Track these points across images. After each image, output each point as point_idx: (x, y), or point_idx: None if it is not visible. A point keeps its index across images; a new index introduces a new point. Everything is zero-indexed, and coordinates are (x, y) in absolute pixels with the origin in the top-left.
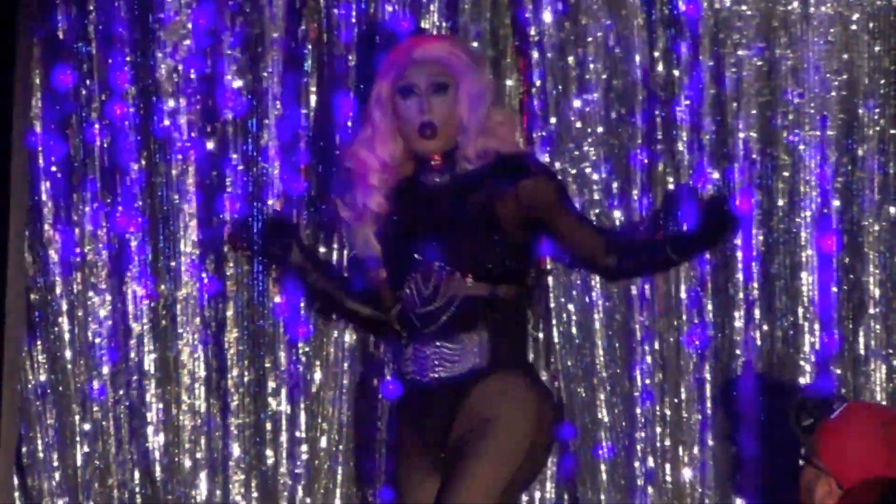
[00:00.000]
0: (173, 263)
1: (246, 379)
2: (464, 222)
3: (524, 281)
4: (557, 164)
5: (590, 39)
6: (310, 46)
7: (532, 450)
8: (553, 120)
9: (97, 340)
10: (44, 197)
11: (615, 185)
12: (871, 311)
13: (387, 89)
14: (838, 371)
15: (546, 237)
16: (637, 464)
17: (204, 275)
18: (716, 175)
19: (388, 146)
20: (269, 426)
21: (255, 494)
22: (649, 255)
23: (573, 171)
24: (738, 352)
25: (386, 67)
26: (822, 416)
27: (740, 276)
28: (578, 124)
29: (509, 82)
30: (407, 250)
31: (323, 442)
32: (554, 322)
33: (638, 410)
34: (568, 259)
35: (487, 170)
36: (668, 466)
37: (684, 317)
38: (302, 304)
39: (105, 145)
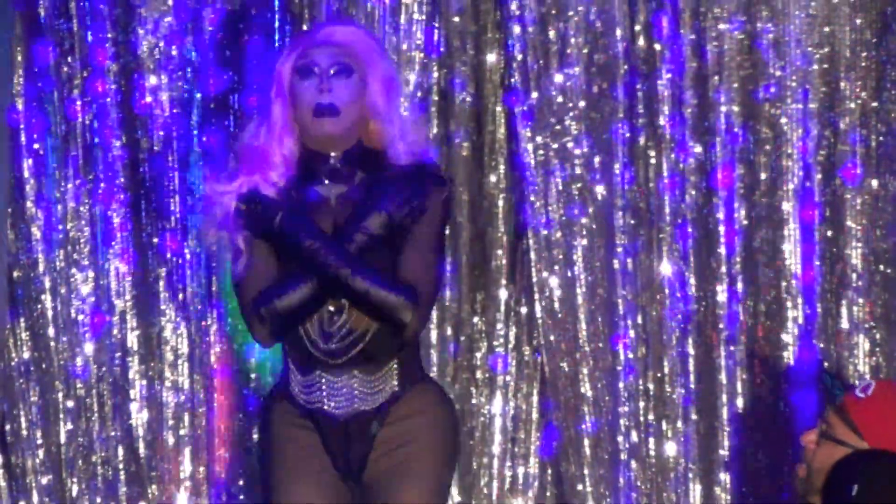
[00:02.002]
0: (156, 239)
1: (229, 355)
2: (371, 251)
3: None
4: (539, 139)
5: (571, 13)
6: (290, 22)
7: (455, 459)
8: (534, 94)
9: (80, 317)
10: (26, 174)
11: (597, 159)
12: (854, 284)
13: (287, 72)
14: (821, 345)
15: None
16: (620, 438)
17: (186, 250)
18: (698, 149)
19: (284, 140)
20: (252, 403)
21: (240, 471)
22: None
23: (555, 146)
24: (721, 326)
25: (288, 50)
26: (840, 393)
27: (723, 250)
28: (560, 99)
29: (491, 57)
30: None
31: None
32: (537, 297)
33: (621, 385)
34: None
35: (388, 180)
36: (651, 441)
37: (667, 291)
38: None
39: (87, 122)
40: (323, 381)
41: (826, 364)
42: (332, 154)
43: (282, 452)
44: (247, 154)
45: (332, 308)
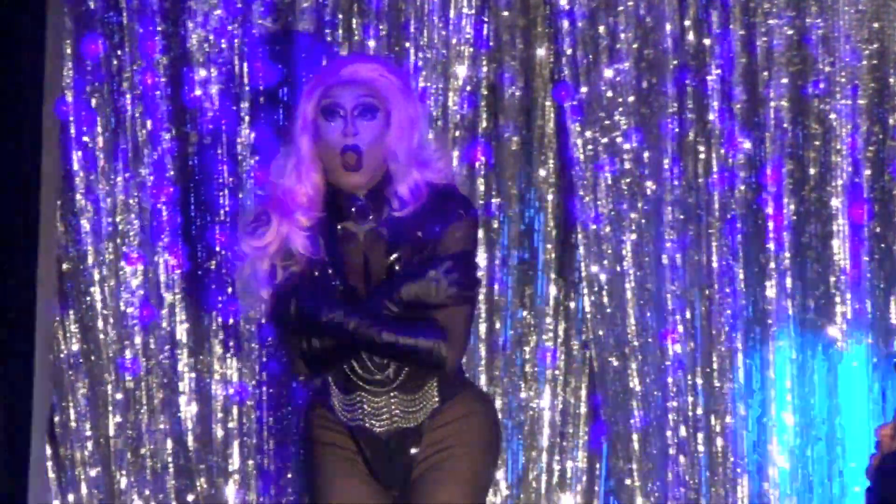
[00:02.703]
0: (205, 232)
1: (279, 348)
2: (403, 285)
3: None
4: (588, 134)
5: (620, 8)
6: (340, 15)
7: (494, 459)
8: (584, 89)
9: (129, 310)
10: (75, 166)
11: (646, 154)
12: None
13: (311, 110)
14: (870, 340)
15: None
16: (669, 433)
17: (236, 247)
18: (747, 145)
19: (311, 176)
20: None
21: (288, 465)
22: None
23: (604, 141)
24: (769, 321)
25: (311, 87)
26: None
27: (772, 245)
28: (609, 93)
29: (540, 51)
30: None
31: None
32: (585, 292)
33: (670, 380)
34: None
35: (417, 211)
36: (700, 436)
37: (716, 286)
38: None
39: (136, 115)
40: (364, 402)
41: None
42: (359, 193)
43: (326, 455)
44: (275, 195)
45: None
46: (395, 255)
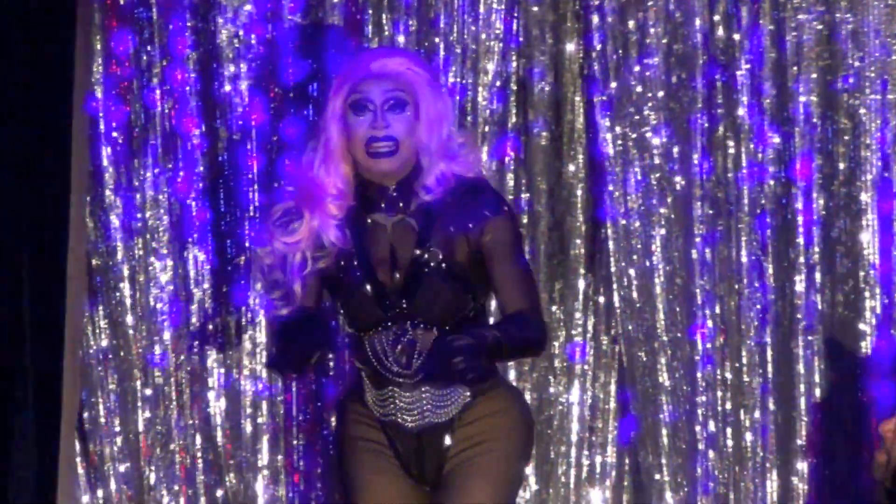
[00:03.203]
0: (234, 228)
1: None
2: (431, 274)
3: (484, 312)
4: (618, 129)
5: (650, 3)
6: (370, 10)
7: (527, 455)
8: (613, 84)
9: (158, 306)
10: (105, 162)
11: (676, 149)
12: None
13: (340, 105)
14: None
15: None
16: (698, 428)
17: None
18: (776, 139)
19: (341, 168)
20: (329, 391)
21: (318, 460)
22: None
23: (633, 136)
24: (799, 316)
25: (340, 81)
26: None
27: (801, 240)
28: (639, 88)
29: (570, 46)
30: (370, 305)
31: None
32: (615, 286)
33: (699, 374)
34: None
35: (444, 204)
36: (729, 430)
37: (745, 280)
38: None
39: (166, 110)
40: (396, 396)
41: None
42: (388, 185)
43: (359, 451)
44: (305, 188)
45: (395, 331)
46: (423, 248)
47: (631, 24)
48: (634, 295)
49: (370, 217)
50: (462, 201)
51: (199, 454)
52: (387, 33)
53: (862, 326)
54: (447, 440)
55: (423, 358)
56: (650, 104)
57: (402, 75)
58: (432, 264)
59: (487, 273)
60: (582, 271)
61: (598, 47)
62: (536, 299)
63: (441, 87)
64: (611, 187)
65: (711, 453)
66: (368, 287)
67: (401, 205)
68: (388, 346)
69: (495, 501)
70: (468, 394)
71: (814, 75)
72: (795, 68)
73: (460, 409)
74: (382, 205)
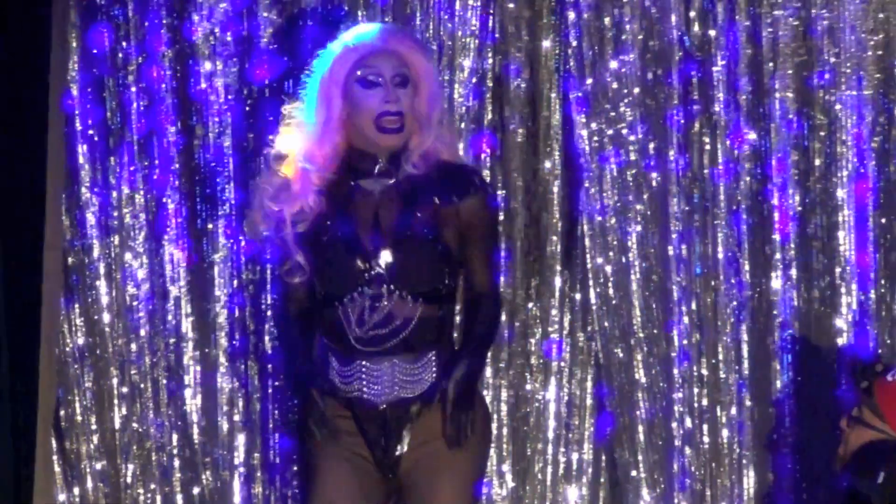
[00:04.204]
0: (210, 226)
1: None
2: (413, 241)
3: (456, 295)
4: (594, 125)
5: (625, 0)
6: (346, 7)
7: (488, 449)
8: (589, 81)
9: (135, 304)
10: (81, 160)
11: (651, 145)
12: None
13: (343, 76)
14: (875, 331)
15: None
16: (675, 424)
17: (241, 237)
18: (752, 136)
19: (335, 138)
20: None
21: (294, 458)
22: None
23: (609, 132)
24: (775, 312)
25: (344, 54)
26: (874, 379)
27: (777, 236)
28: (615, 85)
29: (546, 43)
30: (349, 265)
31: None
32: (591, 283)
33: (675, 371)
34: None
35: (430, 179)
36: (705, 427)
37: (721, 277)
38: None
39: (142, 108)
40: (363, 368)
41: (873, 349)
42: (380, 155)
43: (323, 451)
44: (288, 157)
45: (371, 296)
46: (408, 216)
47: (607, 20)
48: (611, 292)
49: (358, 182)
50: (448, 178)
51: (175, 451)
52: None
53: (838, 322)
54: (414, 411)
55: (396, 323)
56: (626, 100)
57: (407, 52)
58: (416, 232)
59: (461, 246)
60: (558, 268)
61: (574, 44)
62: (498, 280)
63: (436, 65)
64: (587, 184)
65: (688, 450)
66: (349, 246)
67: (389, 172)
68: (365, 312)
69: (467, 493)
70: (435, 373)
71: (790, 71)
72: (771, 64)
73: (427, 389)
74: (373, 174)
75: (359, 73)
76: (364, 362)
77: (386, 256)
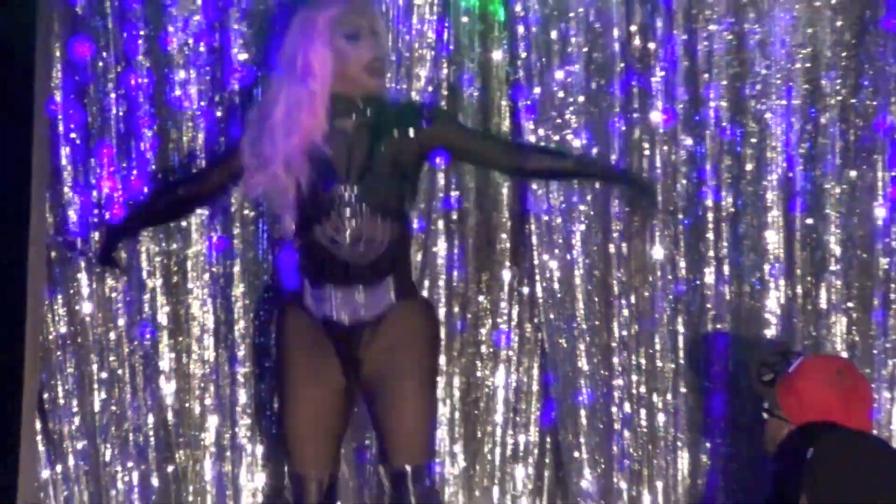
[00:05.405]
0: (184, 223)
1: (251, 330)
2: (381, 167)
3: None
4: (541, 131)
5: (571, 14)
6: None
7: (438, 354)
8: (537, 90)
9: (113, 295)
10: (63, 161)
11: (595, 150)
12: (832, 267)
13: (328, 34)
14: (801, 324)
15: (452, 155)
16: (614, 409)
17: (213, 233)
18: (688, 142)
19: (328, 84)
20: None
21: (260, 437)
22: (554, 163)
23: (556, 138)
24: (708, 306)
25: (323, 16)
26: (781, 371)
27: (711, 235)
28: (561, 94)
29: (496, 55)
30: (328, 192)
31: None
32: (538, 278)
33: (615, 360)
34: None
35: (386, 113)
36: (643, 412)
37: (659, 273)
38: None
39: (120, 113)
40: (332, 293)
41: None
42: (357, 97)
43: (296, 357)
44: (297, 95)
45: (348, 217)
46: (376, 145)
47: (553, 34)
48: (556, 286)
49: (334, 123)
50: (402, 112)
51: (151, 433)
52: None
53: (766, 315)
54: (366, 336)
55: (366, 244)
56: (571, 108)
57: (370, 7)
58: (383, 157)
59: (457, 151)
60: (507, 264)
61: (523, 55)
62: (512, 140)
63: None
64: (534, 186)
65: (627, 433)
66: (328, 176)
67: (361, 112)
68: (341, 231)
69: (425, 396)
70: (392, 296)
71: (724, 82)
72: (706, 75)
73: (385, 310)
74: (350, 114)
75: (343, 29)
76: (334, 288)
77: (360, 182)
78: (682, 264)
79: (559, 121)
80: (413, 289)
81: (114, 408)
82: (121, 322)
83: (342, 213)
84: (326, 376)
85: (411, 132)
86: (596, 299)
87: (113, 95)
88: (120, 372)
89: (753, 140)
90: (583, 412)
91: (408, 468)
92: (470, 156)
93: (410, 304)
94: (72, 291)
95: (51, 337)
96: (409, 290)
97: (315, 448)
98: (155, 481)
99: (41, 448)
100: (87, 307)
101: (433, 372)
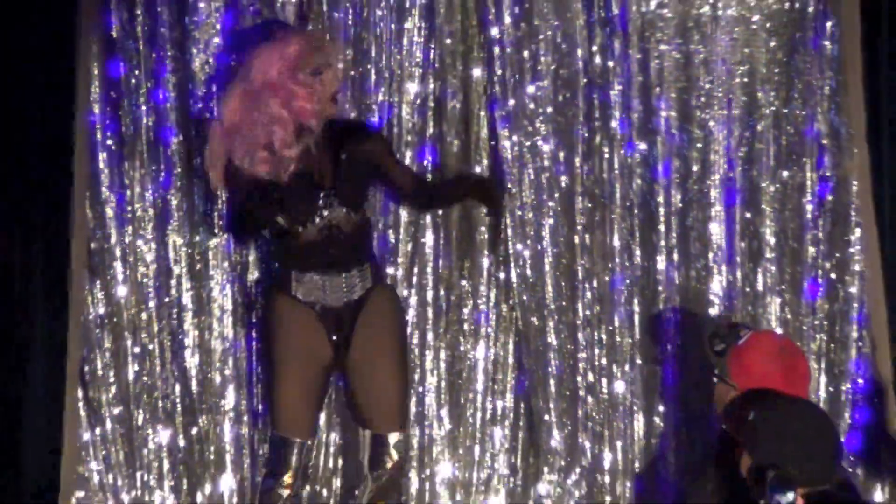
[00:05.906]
0: (207, 218)
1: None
2: (348, 171)
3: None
4: (515, 138)
5: (541, 37)
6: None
7: (406, 335)
8: (511, 102)
9: (145, 280)
10: (101, 165)
11: (561, 154)
12: (768, 255)
13: (295, 69)
14: (741, 304)
15: (378, 173)
16: (579, 379)
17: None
18: (642, 146)
19: (287, 115)
20: None
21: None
22: (436, 191)
23: (528, 143)
24: (660, 288)
25: (295, 51)
26: (731, 342)
27: (662, 227)
28: (532, 105)
29: (476, 72)
30: (308, 198)
31: None
32: (512, 265)
33: (580, 335)
34: (391, 197)
35: (336, 134)
36: (604, 381)
37: (617, 260)
38: None
39: (150, 123)
40: (319, 280)
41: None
42: (311, 123)
43: (287, 333)
44: (295, 105)
45: (327, 215)
46: (340, 156)
47: (525, 53)
48: (528, 272)
49: (298, 140)
50: (345, 132)
51: (177, 400)
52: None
53: (710, 297)
54: (361, 313)
55: (341, 233)
56: (541, 118)
57: (327, 44)
58: (347, 165)
59: (381, 175)
60: (486, 252)
61: (499, 72)
62: (417, 173)
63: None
64: (509, 185)
65: (590, 399)
66: (307, 184)
67: (323, 131)
68: (321, 221)
69: (403, 372)
70: (370, 281)
71: (673, 95)
72: (658, 89)
73: (364, 293)
74: (306, 133)
75: (311, 63)
76: (317, 277)
77: (332, 183)
78: (638, 252)
79: (531, 129)
80: (383, 277)
81: (145, 378)
82: (151, 304)
83: (323, 215)
84: (314, 352)
85: (352, 146)
86: (563, 283)
87: (144, 108)
88: (151, 347)
89: (699, 145)
90: (552, 381)
91: (390, 438)
92: (387, 178)
93: (386, 291)
94: (109, 277)
95: (91, 317)
96: (380, 277)
97: (302, 417)
98: (181, 442)
99: (83, 413)
100: (122, 291)
101: (407, 351)
